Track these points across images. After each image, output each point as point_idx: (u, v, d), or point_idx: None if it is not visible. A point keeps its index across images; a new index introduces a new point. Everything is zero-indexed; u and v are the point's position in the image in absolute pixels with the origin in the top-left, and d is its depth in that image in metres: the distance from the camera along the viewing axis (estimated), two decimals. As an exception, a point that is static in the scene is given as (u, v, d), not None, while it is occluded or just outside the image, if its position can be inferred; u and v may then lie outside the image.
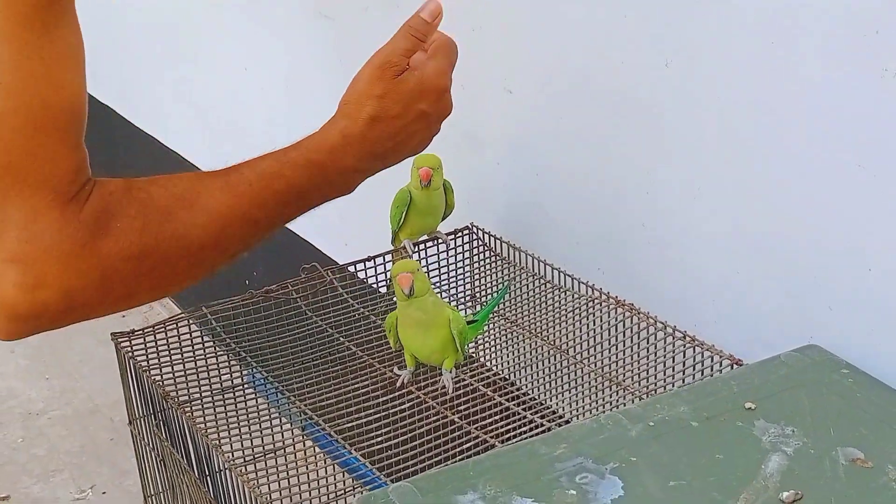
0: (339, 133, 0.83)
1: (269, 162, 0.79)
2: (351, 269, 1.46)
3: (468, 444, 1.17)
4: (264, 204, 0.78)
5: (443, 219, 1.46)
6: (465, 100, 1.54)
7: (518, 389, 1.32)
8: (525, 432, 1.18)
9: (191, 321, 1.35)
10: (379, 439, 1.18)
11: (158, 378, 1.29)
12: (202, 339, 1.36)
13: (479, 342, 1.51)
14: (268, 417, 1.30)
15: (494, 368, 1.46)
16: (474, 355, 1.46)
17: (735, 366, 1.15)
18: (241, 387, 1.34)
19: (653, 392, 1.22)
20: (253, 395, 1.34)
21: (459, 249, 1.53)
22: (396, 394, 1.23)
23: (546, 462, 0.89)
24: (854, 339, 1.06)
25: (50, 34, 0.65)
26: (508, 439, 1.17)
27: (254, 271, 2.42)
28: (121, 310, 0.74)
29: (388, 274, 1.26)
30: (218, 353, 1.36)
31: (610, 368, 1.29)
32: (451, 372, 1.22)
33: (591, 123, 1.35)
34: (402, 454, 1.16)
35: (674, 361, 1.23)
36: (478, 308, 1.50)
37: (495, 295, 1.47)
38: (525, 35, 1.41)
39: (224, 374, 1.34)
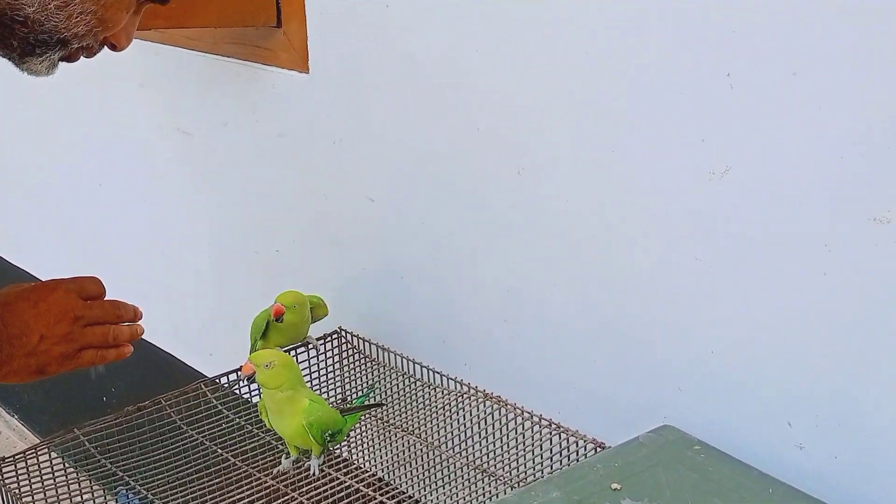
0: None
1: None
2: (223, 380, 1.48)
3: (352, 546, 1.19)
4: None
5: (316, 320, 1.51)
6: (329, 209, 1.61)
7: (395, 489, 1.36)
8: (407, 529, 1.21)
9: (63, 444, 1.34)
10: (263, 548, 1.20)
11: (32, 504, 1.26)
12: (75, 461, 1.34)
13: (354, 444, 1.55)
14: (145, 536, 1.30)
15: (370, 469, 1.50)
16: (349, 458, 1.49)
17: (599, 449, 1.23)
18: (116, 507, 1.33)
19: (524, 480, 1.28)
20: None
21: (329, 353, 1.57)
22: (278, 502, 1.25)
23: (432, 555, 0.94)
24: (702, 418, 1.16)
25: None
26: (391, 537, 1.20)
27: (112, 387, 2.38)
28: None
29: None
30: (92, 475, 1.34)
31: (482, 460, 1.35)
32: (319, 459, 1.29)
33: (450, 228, 1.43)
34: (288, 561, 1.18)
35: (542, 448, 1.30)
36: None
37: (362, 394, 1.51)
38: (384, 146, 1.49)
39: (98, 496, 1.33)
